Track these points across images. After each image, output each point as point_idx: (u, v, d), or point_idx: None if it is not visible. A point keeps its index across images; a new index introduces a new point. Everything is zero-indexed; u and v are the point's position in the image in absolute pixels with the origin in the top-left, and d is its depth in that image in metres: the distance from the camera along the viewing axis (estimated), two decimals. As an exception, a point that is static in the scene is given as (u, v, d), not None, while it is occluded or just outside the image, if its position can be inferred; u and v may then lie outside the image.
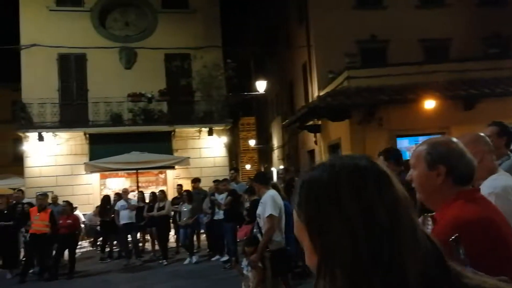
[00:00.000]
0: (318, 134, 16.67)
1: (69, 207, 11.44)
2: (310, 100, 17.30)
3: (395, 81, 12.92)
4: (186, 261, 11.49)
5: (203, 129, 18.66)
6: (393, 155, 4.50)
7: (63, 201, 12.02)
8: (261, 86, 19.95)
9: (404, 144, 12.71)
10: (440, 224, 1.68)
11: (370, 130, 12.75)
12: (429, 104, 12.48)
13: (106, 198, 13.60)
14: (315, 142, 17.12)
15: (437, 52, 16.41)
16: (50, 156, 17.55)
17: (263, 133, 30.45)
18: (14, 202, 12.19)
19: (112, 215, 12.62)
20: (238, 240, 9.95)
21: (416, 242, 0.85)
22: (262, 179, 6.24)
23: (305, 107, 15.40)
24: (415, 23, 16.54)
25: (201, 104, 18.58)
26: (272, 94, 24.74)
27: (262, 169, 28.76)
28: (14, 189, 19.78)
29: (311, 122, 16.42)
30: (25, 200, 12.76)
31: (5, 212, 11.74)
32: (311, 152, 18.22)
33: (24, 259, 11.40)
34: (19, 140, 19.18)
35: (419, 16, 16.86)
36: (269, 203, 5.58)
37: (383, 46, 17.00)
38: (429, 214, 1.99)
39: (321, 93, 15.65)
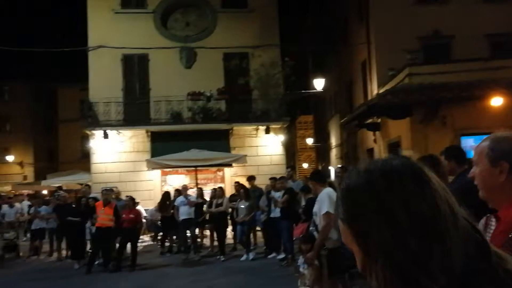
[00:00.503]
0: (377, 133, 16.32)
1: (132, 202, 11.88)
2: (369, 98, 16.97)
3: (459, 78, 12.38)
4: (243, 258, 11.62)
5: (260, 127, 18.77)
6: (455, 153, 4.32)
7: (126, 196, 12.50)
8: (319, 84, 19.78)
9: (469, 144, 12.18)
10: (503, 223, 1.61)
11: (433, 128, 12.32)
12: (496, 101, 11.88)
13: (166, 194, 14.00)
14: (374, 141, 16.77)
15: (504, 47, 15.60)
16: (114, 153, 18.29)
17: (321, 131, 30.19)
18: (81, 196, 12.79)
19: (172, 211, 12.98)
20: (294, 238, 9.93)
21: (458, 230, 0.86)
22: (318, 177, 6.19)
23: (364, 105, 15.11)
24: (480, 17, 15.83)
25: (258, 102, 18.70)
26: (330, 92, 24.49)
27: (320, 168, 28.54)
28: (81, 184, 20.84)
29: (370, 120, 16.11)
30: (91, 195, 13.38)
31: (73, 206, 12.38)
32: (370, 151, 17.87)
33: (90, 251, 11.96)
34: (86, 138, 20.11)
35: (484, 10, 16.12)
36: (326, 200, 5.54)
37: (446, 42, 16.39)
38: (493, 214, 1.90)
39: (381, 91, 15.31)
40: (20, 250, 13.97)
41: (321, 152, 30.96)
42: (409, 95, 12.62)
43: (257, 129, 18.91)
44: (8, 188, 29.06)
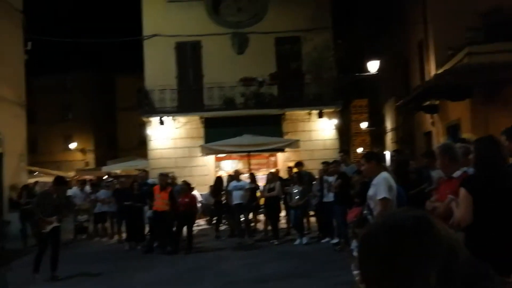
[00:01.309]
0: (435, 115, 15.75)
1: (187, 187, 12.16)
2: (427, 79, 16.37)
3: (524, 57, 11.69)
4: (297, 242, 11.64)
5: (313, 111, 18.61)
6: (518, 134, 4.09)
7: (182, 181, 12.81)
8: (373, 66, 19.28)
9: (534, 125, 11.50)
10: None
11: (494, 110, 11.73)
12: None
13: (219, 179, 14.22)
14: (432, 124, 16.20)
15: None
16: (170, 139, 18.74)
17: (375, 115, 29.52)
18: (139, 181, 13.22)
19: (225, 195, 13.18)
20: (348, 223, 9.83)
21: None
22: (375, 157, 5.94)
23: (421, 87, 14.61)
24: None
25: (311, 86, 18.51)
26: (385, 74, 23.79)
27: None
28: (139, 170, 21.54)
29: (427, 103, 15.55)
30: (148, 180, 13.81)
31: (130, 191, 12.83)
32: (428, 134, 17.29)
33: (148, 233, 12.39)
34: (143, 125, 20.69)
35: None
36: (383, 185, 5.38)
37: (509, 19, 15.46)
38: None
39: (439, 71, 14.72)
40: (89, 232, 14.68)
41: (376, 136, 30.33)
42: (469, 75, 12.06)
43: (309, 114, 18.76)
44: (71, 174, 30.51)
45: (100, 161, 35.99)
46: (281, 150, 17.53)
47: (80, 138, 39.48)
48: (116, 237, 13.80)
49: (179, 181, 13.81)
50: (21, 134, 17.17)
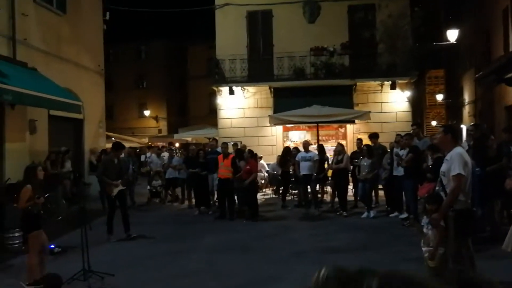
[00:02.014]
0: (518, 88, 14.74)
1: (249, 155, 12.29)
2: (511, 49, 15.29)
3: None
4: (364, 215, 11.53)
5: (385, 82, 18.02)
6: None
7: (246, 149, 13.02)
8: (452, 35, 18.24)
9: None
10: None
11: None
12: None
13: (286, 150, 14.28)
14: (515, 97, 15.20)
15: None
16: (239, 109, 18.95)
17: (452, 87, 28.12)
18: (208, 150, 13.58)
19: (293, 166, 13.22)
20: (418, 198, 9.58)
21: None
22: (453, 131, 5.69)
23: (503, 58, 13.68)
24: None
25: (384, 56, 17.87)
26: (465, 44, 22.47)
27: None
28: (209, 138, 22.06)
29: (510, 75, 14.57)
30: (218, 149, 14.14)
31: (198, 159, 13.22)
32: (509, 108, 16.26)
33: (215, 201, 12.79)
34: (213, 94, 21.05)
35: None
36: (458, 160, 5.18)
37: None
38: None
39: (525, 41, 13.68)
40: (162, 197, 15.37)
41: (452, 109, 28.96)
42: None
43: (382, 85, 18.19)
44: (145, 140, 31.83)
45: (172, 128, 37.21)
46: (351, 121, 17.21)
47: (153, 105, 40.87)
48: (186, 203, 14.35)
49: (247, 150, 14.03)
50: (99, 101, 18.07)
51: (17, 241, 8.95)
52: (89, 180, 15.03)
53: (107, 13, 18.43)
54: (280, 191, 14.82)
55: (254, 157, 12.71)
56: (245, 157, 12.02)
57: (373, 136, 12.81)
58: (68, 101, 12.25)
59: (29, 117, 12.70)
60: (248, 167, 11.81)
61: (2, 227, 9.00)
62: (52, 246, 8.52)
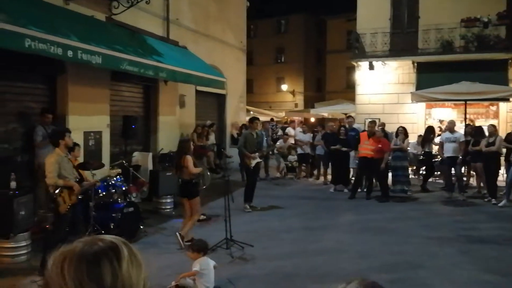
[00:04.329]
0: None
1: (383, 133, 11.82)
2: None
3: None
4: (501, 203, 10.53)
5: (549, 56, 15.96)
6: None
7: (379, 126, 12.54)
8: None
9: None
10: None
11: None
12: None
13: (430, 129, 13.46)
14: None
15: None
16: (379, 85, 18.29)
17: None
18: (347, 127, 13.36)
19: (436, 146, 12.48)
20: None
21: None
22: None
23: None
24: None
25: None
26: None
27: None
28: (345, 114, 21.78)
29: None
30: (355, 125, 13.89)
31: (335, 135, 13.09)
32: None
33: (353, 178, 12.64)
34: (351, 68, 20.62)
35: None
36: None
37: None
38: None
39: None
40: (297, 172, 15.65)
41: None
42: None
43: (544, 59, 16.16)
44: (282, 114, 32.52)
45: (308, 103, 37.41)
46: (505, 99, 15.60)
47: (290, 80, 41.41)
48: (321, 179, 14.42)
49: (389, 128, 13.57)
50: (241, 77, 18.82)
51: (169, 207, 9.87)
52: (230, 152, 15.85)
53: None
54: (421, 172, 14.14)
55: (386, 135, 12.27)
56: (377, 135, 11.62)
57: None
58: (214, 77, 12.97)
59: (179, 93, 13.72)
60: (379, 145, 11.41)
61: (157, 193, 9.96)
62: (198, 213, 9.24)
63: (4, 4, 6.77)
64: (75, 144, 7.36)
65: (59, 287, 0.92)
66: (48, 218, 7.64)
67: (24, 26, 6.49)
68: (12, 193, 6.51)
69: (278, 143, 16.26)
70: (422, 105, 17.51)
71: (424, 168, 13.75)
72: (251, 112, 24.88)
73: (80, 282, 0.92)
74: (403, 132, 12.02)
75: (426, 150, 13.11)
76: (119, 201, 7.87)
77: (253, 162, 10.01)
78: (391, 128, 13.89)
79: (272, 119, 26.79)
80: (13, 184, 6.69)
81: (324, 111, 26.19)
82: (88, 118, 9.88)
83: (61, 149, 6.13)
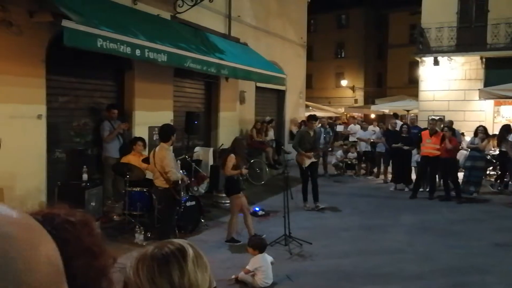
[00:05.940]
0: None
1: (450, 132, 11.29)
2: None
3: None
4: None
5: None
6: None
7: (445, 126, 12.05)
8: None
9: None
10: None
11: None
12: None
13: (506, 127, 12.68)
14: None
15: None
16: (444, 81, 17.67)
17: None
18: (410, 125, 12.99)
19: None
20: None
21: None
22: None
23: None
24: None
25: None
26: None
27: None
28: (407, 110, 21.16)
29: None
30: (416, 124, 13.49)
31: (397, 133, 12.77)
32: None
33: (415, 178, 12.30)
34: (414, 64, 20.02)
35: None
36: None
37: None
38: None
39: None
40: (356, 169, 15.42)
41: None
42: None
43: None
44: (341, 110, 32.09)
45: (368, 99, 36.68)
46: None
47: (350, 75, 40.70)
48: (381, 177, 14.14)
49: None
50: (301, 73, 18.77)
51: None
52: (289, 149, 15.87)
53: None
54: (488, 173, 13.50)
55: (454, 134, 11.79)
56: (446, 135, 11.19)
57: None
58: (274, 74, 13.03)
59: (240, 89, 13.91)
60: (450, 146, 10.99)
61: (217, 188, 10.18)
62: (257, 209, 9.37)
63: (78, 5, 7.14)
64: (139, 139, 7.67)
65: (136, 285, 1.11)
66: (115, 209, 8.05)
67: (96, 26, 6.83)
68: (84, 185, 6.90)
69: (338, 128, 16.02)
70: (491, 102, 16.76)
71: (498, 168, 13.08)
72: (310, 108, 24.71)
73: (152, 278, 1.10)
74: (483, 132, 11.50)
75: (502, 149, 12.44)
76: (182, 195, 8.12)
77: (307, 162, 9.91)
78: (457, 126, 13.39)
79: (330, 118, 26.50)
80: (85, 177, 7.09)
81: (385, 107, 25.56)
82: (153, 114, 10.24)
83: (169, 144, 6.51)
